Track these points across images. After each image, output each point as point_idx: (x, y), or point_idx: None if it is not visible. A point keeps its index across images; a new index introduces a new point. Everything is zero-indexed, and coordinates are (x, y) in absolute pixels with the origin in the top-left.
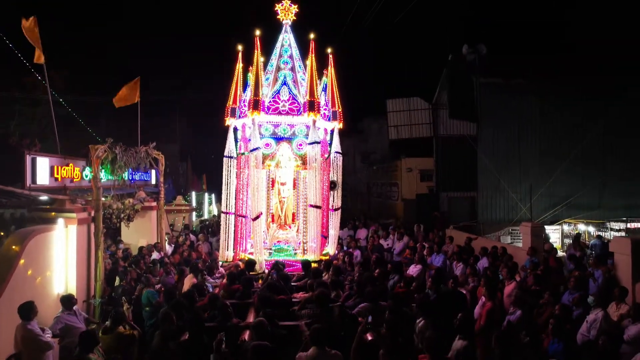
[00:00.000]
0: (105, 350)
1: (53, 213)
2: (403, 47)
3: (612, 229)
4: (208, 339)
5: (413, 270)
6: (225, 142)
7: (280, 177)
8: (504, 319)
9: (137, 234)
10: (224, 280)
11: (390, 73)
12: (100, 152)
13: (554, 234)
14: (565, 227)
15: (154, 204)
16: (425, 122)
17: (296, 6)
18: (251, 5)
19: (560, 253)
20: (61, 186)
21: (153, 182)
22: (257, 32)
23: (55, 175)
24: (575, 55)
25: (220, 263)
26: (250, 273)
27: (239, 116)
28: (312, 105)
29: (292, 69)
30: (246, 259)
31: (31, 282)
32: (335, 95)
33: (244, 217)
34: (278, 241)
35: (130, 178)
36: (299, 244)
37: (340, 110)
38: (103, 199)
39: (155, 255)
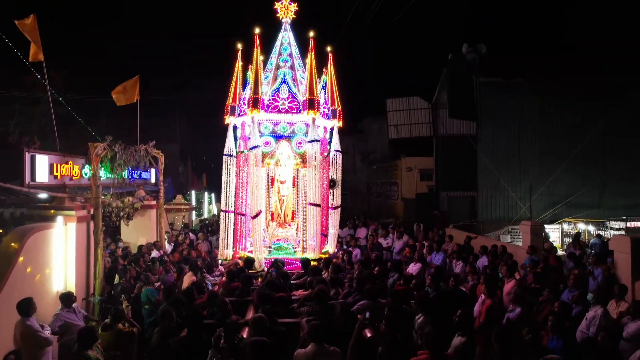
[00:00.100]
0: (104, 347)
1: (52, 211)
2: (403, 46)
3: (611, 228)
4: (207, 335)
5: (413, 268)
6: (224, 141)
7: (280, 175)
8: (504, 317)
9: (137, 233)
10: (224, 278)
11: (390, 72)
12: (99, 150)
13: (554, 233)
14: (565, 226)
15: (154, 202)
16: (425, 121)
17: (296, 4)
18: (251, 4)
19: (560, 252)
20: (60, 184)
21: (152, 180)
22: (257, 30)
23: (55, 173)
24: (575, 55)
25: (219, 261)
26: (250, 271)
27: (239, 114)
28: (312, 104)
29: (292, 67)
30: (245, 257)
31: (30, 280)
32: (335, 94)
33: (243, 215)
34: (277, 239)
35: (130, 176)
36: (299, 242)
37: (339, 108)
38: (102, 197)
39: (154, 253)
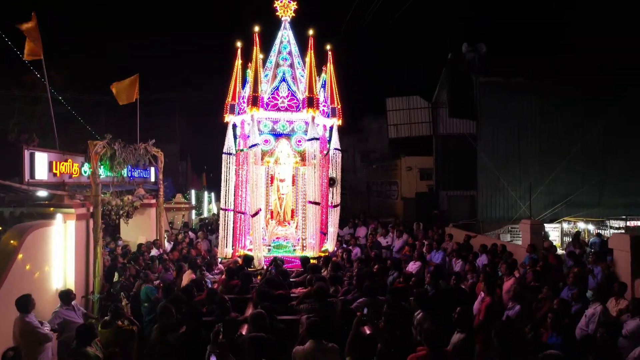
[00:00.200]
0: (103, 344)
1: (52, 208)
2: (403, 46)
3: (611, 227)
4: (206, 332)
5: (412, 267)
6: (224, 139)
7: (279, 173)
8: (503, 315)
9: (136, 231)
10: (223, 276)
11: (390, 72)
12: (99, 148)
13: (554, 232)
14: (565, 225)
15: (153, 201)
16: (425, 120)
17: (295, 3)
18: (250, 3)
19: (559, 251)
20: (60, 182)
21: (152, 179)
22: (256, 29)
23: (54, 171)
24: (575, 55)
25: (219, 260)
26: (249, 269)
27: (238, 113)
28: (311, 102)
29: (291, 66)
30: (244, 254)
31: (29, 277)
32: (334, 92)
33: (243, 213)
34: (277, 237)
35: (129, 175)
36: (298, 240)
37: (339, 106)
38: (102, 195)
39: (154, 252)
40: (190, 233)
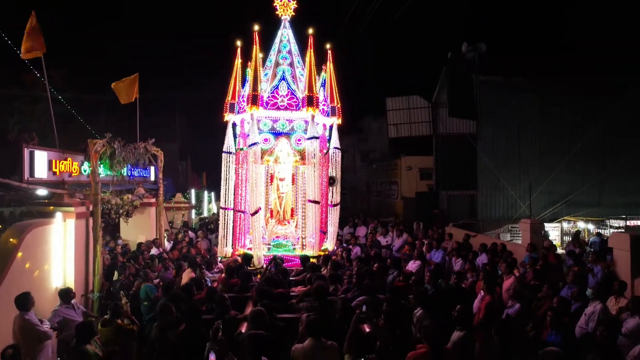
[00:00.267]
0: (103, 343)
1: (51, 207)
2: (403, 45)
3: (611, 227)
4: (206, 330)
5: (412, 266)
6: (224, 139)
7: (279, 172)
8: (503, 313)
9: (136, 230)
10: (223, 275)
11: (389, 71)
12: (98, 146)
13: (554, 231)
14: (565, 225)
15: (153, 200)
16: (424, 120)
17: (295, 2)
18: (250, 2)
19: (559, 251)
20: (59, 180)
21: (152, 178)
22: (256, 27)
23: (54, 169)
24: (575, 54)
25: (219, 259)
26: (249, 268)
27: (238, 112)
28: (311, 101)
29: (291, 65)
30: (243, 253)
31: (29, 275)
32: (334, 91)
33: (242, 212)
34: (277, 236)
35: (129, 174)
36: (298, 239)
37: (339, 105)
38: (102, 194)
39: (154, 251)
40: (190, 232)
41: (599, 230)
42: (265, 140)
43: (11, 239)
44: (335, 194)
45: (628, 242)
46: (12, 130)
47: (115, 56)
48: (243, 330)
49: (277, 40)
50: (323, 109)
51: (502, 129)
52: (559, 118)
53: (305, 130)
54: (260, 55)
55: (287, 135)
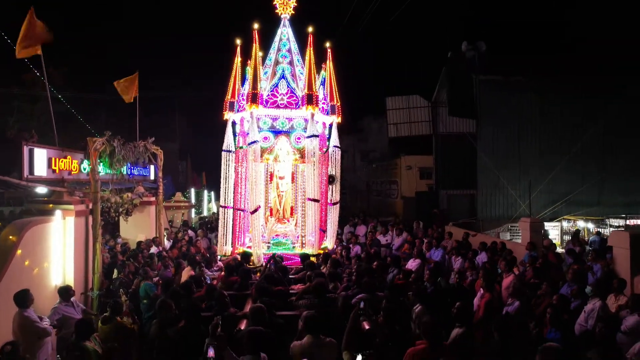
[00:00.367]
0: (102, 340)
1: (51, 205)
2: (402, 45)
3: (611, 226)
4: (205, 327)
5: (412, 264)
6: (223, 137)
7: (279, 170)
8: (502, 311)
9: (136, 229)
10: (222, 273)
11: (389, 71)
12: (98, 144)
13: (554, 230)
14: (565, 224)
15: (153, 199)
16: (424, 119)
17: (294, 0)
18: (250, 0)
19: (559, 250)
20: (59, 178)
21: (152, 177)
22: (256, 26)
23: (53, 167)
24: (575, 54)
25: (218, 257)
26: (247, 266)
27: (237, 110)
28: (311, 99)
29: (291, 63)
30: (243, 251)
31: (28, 273)
32: (334, 90)
33: (242, 210)
34: (276, 235)
35: (129, 173)
36: (297, 237)
37: (338, 104)
38: (101, 192)
39: (153, 249)
40: (189, 231)
41: (598, 229)
42: (265, 138)
43: (10, 237)
44: (334, 193)
45: (628, 240)
46: (12, 128)
47: (115, 56)
48: (242, 328)
49: (276, 38)
50: (323, 107)
51: (502, 129)
52: (559, 118)
53: (305, 129)
54: (260, 53)
55: (287, 133)
